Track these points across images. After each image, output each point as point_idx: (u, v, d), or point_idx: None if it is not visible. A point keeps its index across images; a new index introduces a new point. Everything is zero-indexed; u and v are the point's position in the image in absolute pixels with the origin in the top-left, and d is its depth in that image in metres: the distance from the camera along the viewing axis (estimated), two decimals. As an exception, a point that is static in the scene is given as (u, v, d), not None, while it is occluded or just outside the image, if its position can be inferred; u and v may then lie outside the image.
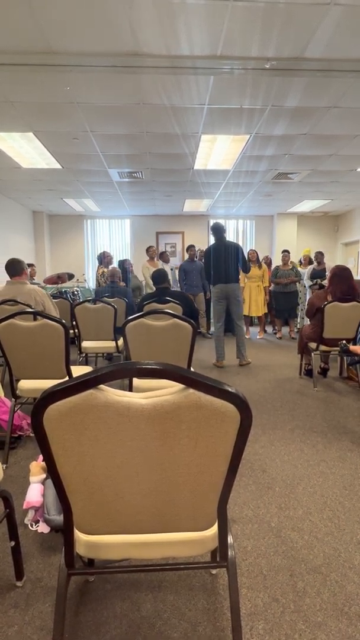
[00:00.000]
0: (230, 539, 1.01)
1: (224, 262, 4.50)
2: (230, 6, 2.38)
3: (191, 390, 0.69)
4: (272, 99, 3.57)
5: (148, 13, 2.43)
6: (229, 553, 0.98)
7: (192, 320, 2.07)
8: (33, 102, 3.59)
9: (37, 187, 6.68)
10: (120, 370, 0.67)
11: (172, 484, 0.79)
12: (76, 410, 0.69)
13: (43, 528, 1.66)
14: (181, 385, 0.69)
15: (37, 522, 1.71)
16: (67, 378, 2.23)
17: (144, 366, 0.67)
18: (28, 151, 4.83)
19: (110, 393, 0.70)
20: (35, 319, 2.18)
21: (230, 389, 0.69)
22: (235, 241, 5.99)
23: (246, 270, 4.88)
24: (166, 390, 0.71)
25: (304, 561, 1.49)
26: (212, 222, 9.48)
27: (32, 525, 1.69)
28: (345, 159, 5.29)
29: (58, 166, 5.44)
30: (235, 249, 4.58)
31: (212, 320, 7.30)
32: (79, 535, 0.89)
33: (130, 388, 2.25)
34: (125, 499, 0.80)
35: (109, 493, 0.79)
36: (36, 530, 1.67)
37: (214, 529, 0.90)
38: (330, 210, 9.03)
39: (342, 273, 3.79)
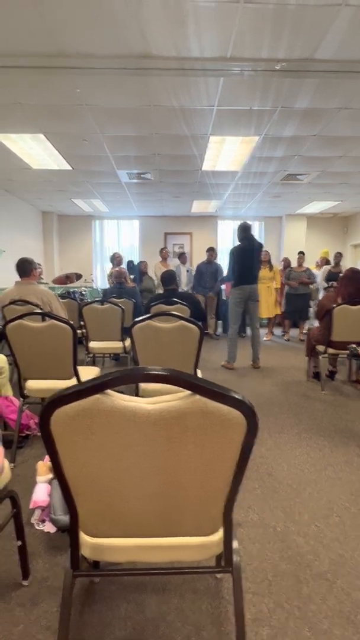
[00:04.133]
0: (235, 544, 1.00)
1: (250, 262, 4.50)
2: (240, 8, 2.37)
3: (197, 397, 0.69)
4: (282, 101, 3.56)
5: (157, 15, 2.44)
6: (234, 558, 0.98)
7: (199, 323, 2.07)
8: (43, 104, 3.63)
9: (46, 188, 6.73)
10: (127, 375, 0.67)
11: (177, 488, 0.79)
12: (83, 414, 0.70)
13: (49, 528, 1.67)
14: (188, 391, 0.70)
15: (43, 521, 1.72)
16: (74, 379, 2.25)
17: (151, 372, 0.67)
18: (38, 152, 4.87)
19: (117, 398, 0.70)
20: (43, 320, 2.20)
21: (237, 396, 0.69)
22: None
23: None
24: (173, 396, 0.71)
25: (310, 567, 1.48)
26: (220, 223, 9.59)
27: (38, 525, 1.71)
28: (356, 160, 5.24)
29: (68, 167, 5.47)
30: (260, 248, 4.59)
31: (219, 322, 7.34)
32: (84, 537, 0.89)
33: (137, 390, 2.26)
34: (130, 503, 0.81)
35: (115, 496, 0.80)
36: (42, 530, 1.68)
37: (219, 534, 0.90)
38: (339, 211, 8.95)
39: (353, 275, 3.76)
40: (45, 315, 2.14)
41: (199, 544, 0.92)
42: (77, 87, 3.30)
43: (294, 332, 7.14)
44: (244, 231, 4.61)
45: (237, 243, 4.69)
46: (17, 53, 2.83)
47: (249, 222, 4.78)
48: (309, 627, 1.23)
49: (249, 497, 1.95)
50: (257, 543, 1.61)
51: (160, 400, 0.71)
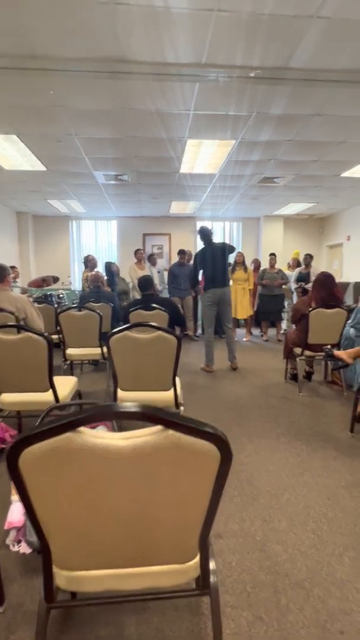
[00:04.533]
0: (212, 565, 1.01)
1: (215, 266, 4.51)
2: (214, 16, 2.37)
3: (171, 432, 0.68)
4: (257, 106, 3.59)
5: (132, 21, 2.41)
6: (211, 579, 0.98)
7: (176, 333, 2.06)
8: (16, 105, 3.53)
9: (20, 188, 6.56)
10: (97, 414, 0.66)
11: (152, 520, 0.78)
12: (52, 453, 0.67)
13: (25, 549, 1.62)
14: (160, 426, 0.69)
15: (19, 542, 1.67)
16: (50, 391, 2.20)
17: (122, 410, 0.66)
18: (11, 153, 4.74)
19: (88, 435, 0.68)
20: (19, 332, 2.13)
21: (210, 430, 0.69)
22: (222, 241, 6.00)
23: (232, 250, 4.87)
24: (145, 431, 0.70)
25: (288, 576, 1.51)
26: (199, 224, 9.61)
27: (13, 546, 1.66)
28: (329, 164, 5.36)
29: (42, 168, 5.35)
30: (223, 249, 4.59)
31: (199, 323, 7.37)
32: (58, 569, 0.87)
33: (114, 397, 2.23)
34: (105, 536, 0.79)
35: (89, 531, 0.78)
36: (18, 551, 1.63)
37: (196, 559, 0.90)
38: (315, 213, 9.15)
39: (324, 280, 3.84)
40: (19, 328, 2.08)
41: (176, 570, 0.91)
42: (51, 88, 3.22)
43: (271, 332, 7.25)
44: (205, 236, 4.62)
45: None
46: (-14, 53, 2.73)
47: (207, 223, 4.82)
48: (286, 638, 1.24)
49: (229, 506, 1.96)
50: (237, 554, 1.62)
51: (133, 435, 0.70)
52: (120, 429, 1.37)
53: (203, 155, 4.92)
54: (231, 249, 4.78)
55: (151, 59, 2.82)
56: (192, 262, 7.16)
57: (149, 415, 0.66)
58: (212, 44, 2.65)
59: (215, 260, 4.51)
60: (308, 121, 3.93)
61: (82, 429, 0.68)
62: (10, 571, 1.54)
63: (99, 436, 0.69)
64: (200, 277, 4.80)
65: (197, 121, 3.89)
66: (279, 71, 2.99)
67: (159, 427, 0.69)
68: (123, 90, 3.25)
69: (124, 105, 3.55)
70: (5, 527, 1.68)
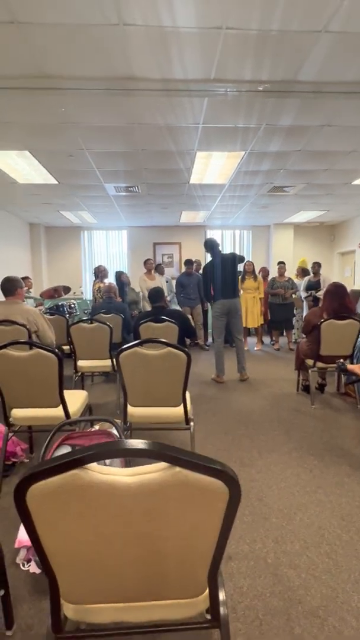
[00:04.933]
0: (222, 596, 0.98)
1: (224, 277, 4.50)
2: (222, 34, 2.40)
3: (178, 469, 0.67)
4: (266, 119, 3.60)
5: (140, 40, 2.45)
6: (222, 611, 0.96)
7: (186, 350, 2.06)
8: (28, 123, 3.61)
9: (33, 201, 6.69)
10: (104, 452, 0.65)
11: (160, 556, 0.77)
12: (59, 490, 0.67)
13: (34, 568, 1.62)
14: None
15: (29, 561, 1.67)
16: (60, 406, 2.21)
17: (128, 447, 0.65)
18: (24, 168, 4.84)
19: (95, 472, 0.68)
20: (30, 348, 2.15)
21: (217, 467, 0.67)
22: (231, 251, 5.98)
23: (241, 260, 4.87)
24: (152, 467, 0.69)
25: (301, 603, 1.46)
26: (209, 232, 9.64)
27: (23, 565, 1.66)
28: (340, 173, 5.33)
29: (54, 181, 5.45)
30: (232, 260, 4.58)
31: (210, 331, 7.35)
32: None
33: (124, 417, 2.23)
34: (112, 571, 0.78)
35: (96, 566, 0.77)
36: (28, 570, 1.63)
37: (205, 593, 0.88)
38: (326, 220, 9.08)
39: (335, 290, 3.79)
40: (31, 345, 2.10)
41: (185, 604, 0.89)
42: (62, 106, 3.29)
43: (282, 341, 7.18)
44: (211, 248, 4.61)
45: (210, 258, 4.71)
46: (0, 75, 2.81)
47: (217, 232, 4.81)
48: (300, 671, 1.21)
49: (240, 526, 1.92)
50: (248, 578, 1.59)
51: (140, 472, 0.69)
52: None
53: (212, 167, 4.94)
54: (241, 258, 4.77)
55: (160, 76, 2.86)
56: (200, 271, 7.19)
57: (155, 453, 0.65)
58: (220, 60, 2.67)
59: (224, 271, 4.49)
60: (317, 132, 3.92)
61: (88, 465, 0.68)
62: (19, 590, 1.53)
63: (106, 472, 0.68)
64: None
65: (207, 134, 3.92)
66: (288, 84, 3.00)
67: (166, 464, 0.68)
68: (133, 106, 3.29)
69: (134, 121, 3.60)
70: (16, 545, 1.68)
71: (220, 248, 4.70)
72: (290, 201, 7.00)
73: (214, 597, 0.90)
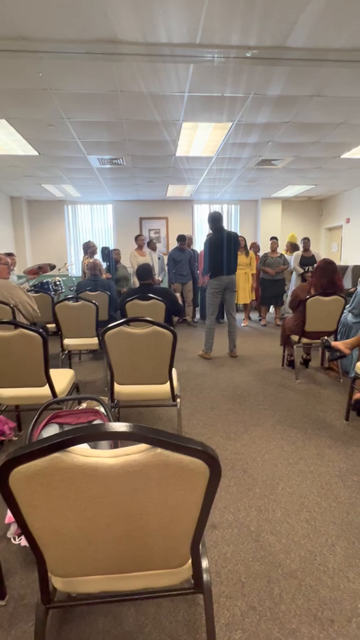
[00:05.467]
0: (205, 564, 1.03)
1: (225, 253, 4.43)
2: (208, -7, 2.26)
3: (159, 450, 0.69)
4: (254, 88, 3.47)
5: (122, -1, 2.30)
6: (205, 578, 1.01)
7: (172, 328, 2.06)
8: (4, 89, 3.40)
9: (13, 174, 6.42)
10: (85, 435, 0.66)
11: (143, 532, 0.80)
12: (42, 473, 0.68)
13: (25, 542, 1.66)
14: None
15: (20, 535, 1.72)
16: (47, 385, 2.21)
17: (110, 430, 0.66)
18: (1, 138, 4.61)
19: (77, 454, 0.69)
20: (15, 328, 2.12)
21: (198, 447, 0.69)
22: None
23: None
24: (134, 448, 0.71)
25: (281, 566, 1.55)
26: (196, 207, 9.47)
27: (15, 539, 1.70)
28: (329, 146, 5.24)
29: (34, 153, 5.22)
30: (235, 237, 4.52)
31: (197, 308, 7.36)
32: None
33: (112, 396, 2.25)
34: (98, 547, 0.81)
35: (81, 543, 0.80)
36: (19, 544, 1.68)
37: (188, 564, 0.92)
38: (314, 195, 9.00)
39: (326, 267, 3.80)
40: (15, 325, 2.07)
41: (169, 572, 0.94)
42: (40, 71, 3.10)
43: (269, 317, 7.25)
44: (215, 222, 4.51)
45: (210, 232, 4.64)
46: (-30, 35, 2.62)
47: (218, 211, 4.69)
48: (279, 627, 1.29)
49: (225, 497, 2.00)
50: (232, 545, 1.67)
51: (122, 453, 0.70)
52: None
53: (199, 138, 4.79)
54: (236, 237, 4.68)
55: (143, 39, 2.70)
56: (192, 247, 7.11)
57: (137, 435, 0.66)
58: (206, 22, 2.53)
59: (227, 247, 4.43)
60: (307, 102, 3.81)
61: (70, 448, 0.68)
62: (11, 563, 1.58)
63: (89, 454, 0.69)
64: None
65: (192, 103, 3.77)
66: (277, 51, 2.88)
67: (147, 445, 0.69)
68: (115, 72, 3.13)
69: (116, 88, 3.43)
70: (6, 521, 1.72)
71: (223, 223, 4.60)
72: (278, 175, 6.89)
73: (196, 566, 0.95)
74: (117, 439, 0.66)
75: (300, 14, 2.47)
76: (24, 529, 0.77)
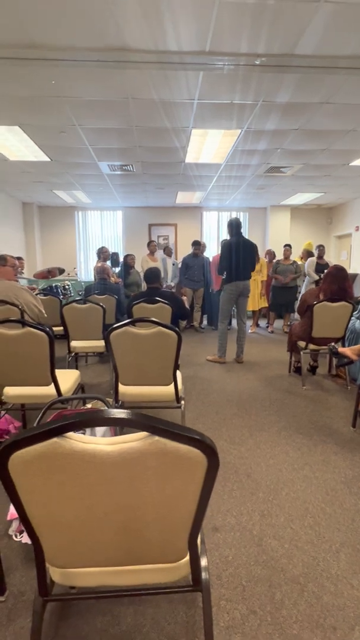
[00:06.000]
0: (204, 562, 1.02)
1: (242, 259, 4.45)
2: (217, 2, 2.31)
3: (157, 438, 0.69)
4: (263, 95, 3.51)
5: (133, 7, 2.35)
6: (203, 576, 1.00)
7: (177, 329, 2.06)
8: (18, 96, 3.49)
9: (25, 179, 6.55)
10: (85, 420, 0.66)
11: (141, 523, 0.79)
12: (40, 458, 0.69)
13: (27, 539, 1.66)
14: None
15: (21, 532, 1.72)
16: (52, 385, 2.22)
17: (108, 416, 0.66)
18: (14, 144, 4.71)
19: (76, 440, 0.69)
20: (23, 326, 2.15)
21: (196, 436, 0.69)
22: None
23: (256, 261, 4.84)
24: (132, 436, 0.71)
25: (283, 571, 1.52)
26: (205, 214, 9.52)
27: (16, 536, 1.70)
28: (338, 153, 5.24)
29: (46, 159, 5.33)
30: (252, 246, 4.55)
31: (204, 315, 7.35)
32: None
33: (116, 396, 2.26)
34: (95, 537, 0.81)
35: (78, 532, 0.80)
36: (20, 541, 1.68)
37: (186, 559, 0.91)
38: (323, 202, 8.98)
39: (337, 273, 3.78)
40: (22, 323, 2.09)
41: (167, 568, 0.93)
42: (53, 79, 3.18)
43: (278, 324, 7.21)
44: (235, 227, 4.52)
45: (226, 236, 4.65)
46: (-13, 43, 2.70)
47: (235, 215, 4.71)
48: (279, 632, 1.27)
49: (228, 500, 1.98)
50: (234, 548, 1.65)
51: (120, 440, 0.71)
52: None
53: (208, 145, 4.84)
54: (253, 246, 4.67)
55: (154, 47, 2.76)
56: (205, 254, 7.14)
57: (135, 422, 0.67)
58: (216, 30, 2.58)
59: (244, 253, 4.44)
60: (316, 109, 3.83)
61: (69, 434, 0.69)
62: (12, 560, 1.58)
63: (87, 440, 0.70)
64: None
65: (202, 110, 3.82)
66: (286, 58, 2.91)
67: (145, 433, 0.70)
68: (125, 79, 3.19)
69: (127, 95, 3.50)
70: (8, 517, 1.72)
71: (242, 229, 4.62)
72: (287, 182, 6.91)
73: (194, 562, 0.94)
74: (116, 425, 0.66)
75: (309, 22, 2.50)
76: (22, 516, 0.77)
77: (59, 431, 0.67)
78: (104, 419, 0.66)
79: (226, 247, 4.52)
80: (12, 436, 2.26)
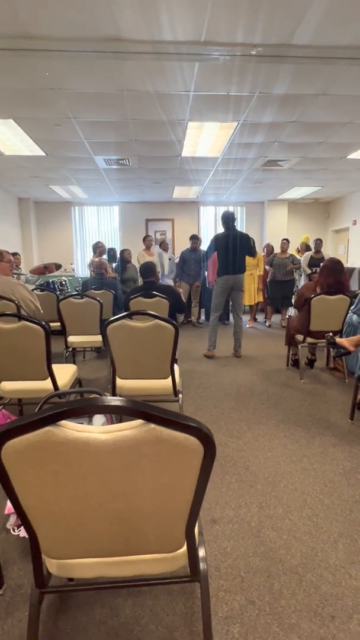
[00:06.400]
0: (202, 553, 1.02)
1: (232, 252, 4.42)
2: (213, -10, 2.27)
3: (152, 425, 0.68)
4: (260, 86, 3.47)
5: (127, -4, 2.32)
6: (201, 567, 0.99)
7: (174, 322, 2.05)
8: (11, 88, 3.45)
9: (21, 174, 6.49)
10: (79, 408, 0.65)
11: (137, 513, 0.79)
12: (33, 447, 0.67)
13: (24, 533, 1.66)
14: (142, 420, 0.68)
15: (19, 526, 1.71)
16: (48, 379, 2.21)
17: (102, 404, 0.65)
18: (9, 138, 4.66)
19: (69, 429, 0.68)
20: (19, 320, 2.13)
21: (192, 423, 0.68)
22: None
23: (253, 255, 4.79)
24: (127, 425, 0.70)
25: (282, 561, 1.53)
26: (202, 209, 9.48)
27: (14, 530, 1.70)
28: (335, 146, 5.21)
29: (42, 153, 5.27)
30: (247, 239, 4.50)
31: (202, 309, 7.34)
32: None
33: (113, 390, 2.25)
34: (90, 527, 0.80)
35: (74, 522, 0.79)
36: (18, 535, 1.67)
37: (184, 549, 0.91)
38: (320, 196, 8.96)
39: (333, 266, 3.78)
40: (18, 317, 2.08)
41: (164, 558, 0.92)
42: (46, 70, 3.14)
43: (275, 318, 7.21)
44: (225, 221, 4.52)
45: (220, 230, 4.63)
46: (-21, 34, 2.66)
47: (231, 210, 4.69)
48: (278, 622, 1.27)
49: (226, 492, 1.98)
50: (232, 540, 1.65)
51: (114, 429, 0.70)
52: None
53: (205, 138, 4.80)
54: (246, 238, 4.65)
55: (148, 37, 2.72)
56: (202, 248, 7.10)
57: (130, 410, 0.66)
58: (211, 20, 2.54)
59: (234, 247, 4.41)
60: (313, 101, 3.80)
61: (63, 422, 0.68)
62: (10, 554, 1.58)
63: (81, 429, 0.69)
64: (212, 262, 4.70)
65: (198, 102, 3.78)
66: (282, 48, 2.87)
67: (140, 421, 0.69)
68: (121, 71, 3.15)
69: (123, 87, 3.46)
70: (6, 512, 1.72)
71: (234, 223, 4.59)
72: (284, 176, 6.88)
73: (192, 552, 0.93)
74: (111, 413, 0.65)
75: (306, 11, 2.46)
76: (16, 507, 0.76)
77: (52, 419, 0.66)
78: (98, 406, 0.65)
79: (213, 241, 4.51)
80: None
